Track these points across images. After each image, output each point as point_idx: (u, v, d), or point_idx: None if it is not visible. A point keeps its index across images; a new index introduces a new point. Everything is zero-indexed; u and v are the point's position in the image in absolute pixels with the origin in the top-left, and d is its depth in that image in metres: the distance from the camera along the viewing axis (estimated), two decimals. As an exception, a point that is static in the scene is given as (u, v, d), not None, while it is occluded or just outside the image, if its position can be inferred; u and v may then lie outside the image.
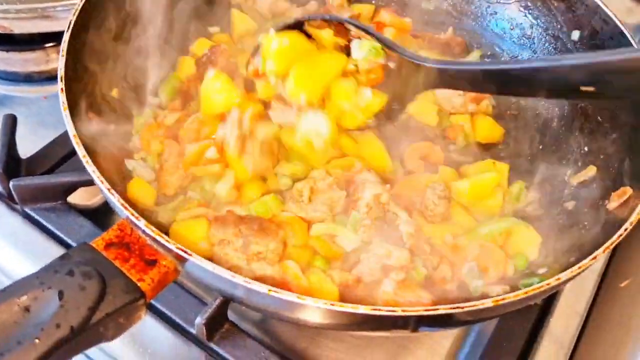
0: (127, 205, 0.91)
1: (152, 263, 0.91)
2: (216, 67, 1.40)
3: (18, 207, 1.44)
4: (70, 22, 1.19)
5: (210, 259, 1.03)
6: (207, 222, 1.12)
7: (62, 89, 1.08)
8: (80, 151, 0.99)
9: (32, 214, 1.42)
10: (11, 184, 1.37)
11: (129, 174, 1.28)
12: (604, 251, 0.99)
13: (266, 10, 1.66)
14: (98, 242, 0.92)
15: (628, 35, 1.38)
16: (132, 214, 0.90)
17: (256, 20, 1.64)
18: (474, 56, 1.67)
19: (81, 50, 1.23)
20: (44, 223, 1.41)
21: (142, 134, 1.36)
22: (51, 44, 1.74)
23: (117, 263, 0.89)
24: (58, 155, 1.51)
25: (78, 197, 1.47)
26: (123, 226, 0.94)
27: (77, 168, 1.40)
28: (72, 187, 1.41)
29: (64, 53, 1.13)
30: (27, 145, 1.57)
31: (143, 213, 0.94)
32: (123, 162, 1.30)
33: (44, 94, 1.78)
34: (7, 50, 1.73)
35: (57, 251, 1.37)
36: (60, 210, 1.42)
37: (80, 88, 1.20)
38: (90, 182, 1.28)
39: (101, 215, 1.46)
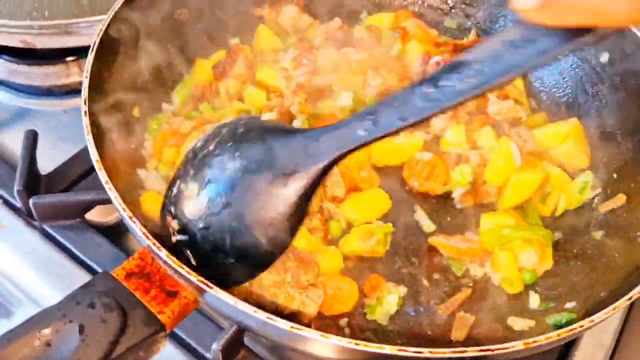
0: (149, 234, 0.90)
1: (173, 294, 0.89)
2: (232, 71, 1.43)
3: (37, 223, 1.43)
4: (94, 43, 1.18)
5: (267, 299, 1.03)
6: None
7: (85, 111, 1.07)
8: (103, 177, 0.97)
9: (51, 231, 1.41)
10: (31, 201, 1.37)
11: (141, 184, 1.27)
12: None
13: (289, 25, 1.65)
14: (119, 272, 0.91)
15: (659, 59, 1.35)
16: (154, 244, 0.89)
17: (278, 34, 1.64)
18: None
19: (104, 70, 1.23)
20: (62, 241, 1.40)
21: (155, 141, 1.35)
22: (72, 58, 1.74)
23: (137, 294, 0.87)
24: (77, 171, 1.50)
25: (95, 214, 1.47)
26: (144, 255, 0.93)
27: (95, 185, 1.38)
28: (90, 205, 1.41)
29: (88, 74, 1.12)
30: (46, 160, 1.57)
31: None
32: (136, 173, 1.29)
33: (64, 108, 1.78)
34: (29, 64, 1.74)
35: (75, 270, 1.36)
36: (78, 228, 1.41)
37: (103, 109, 1.19)
38: (109, 201, 1.27)
39: (119, 232, 1.46)
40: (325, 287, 1.14)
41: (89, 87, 1.11)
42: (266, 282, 1.11)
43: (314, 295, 1.08)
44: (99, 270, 1.36)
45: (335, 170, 1.25)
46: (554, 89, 1.59)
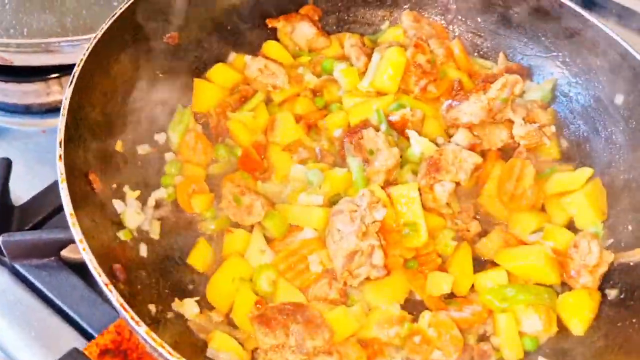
0: (127, 306, 0.79)
1: (153, 377, 0.79)
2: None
3: (6, 259, 1.32)
4: (73, 76, 1.07)
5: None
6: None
7: (60, 155, 0.96)
8: (77, 235, 0.87)
9: (22, 270, 1.30)
10: (1, 239, 1.25)
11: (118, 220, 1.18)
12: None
13: (303, 43, 1.56)
14: (91, 349, 0.81)
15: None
16: (132, 318, 0.78)
17: (289, 49, 1.55)
18: (547, 87, 1.53)
19: (83, 105, 1.12)
20: (34, 282, 1.28)
21: (180, 195, 1.29)
22: (53, 76, 1.63)
23: (111, 378, 0.77)
24: (53, 204, 1.38)
25: (70, 250, 1.35)
26: (120, 328, 0.83)
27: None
28: (65, 244, 1.29)
29: (65, 111, 1.01)
30: (22, 185, 1.46)
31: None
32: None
33: (42, 128, 1.67)
34: (5, 81, 1.62)
35: (47, 315, 1.25)
36: (52, 268, 1.30)
37: (81, 148, 1.08)
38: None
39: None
40: (342, 356, 1.04)
41: (66, 127, 0.99)
42: (263, 346, 1.02)
43: None
44: (73, 316, 1.24)
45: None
46: (564, 129, 1.51)
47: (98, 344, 0.82)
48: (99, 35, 1.14)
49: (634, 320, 1.12)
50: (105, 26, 1.18)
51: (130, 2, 1.24)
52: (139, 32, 1.29)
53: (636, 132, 1.36)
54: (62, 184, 0.93)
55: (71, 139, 1.06)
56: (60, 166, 0.95)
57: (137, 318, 0.79)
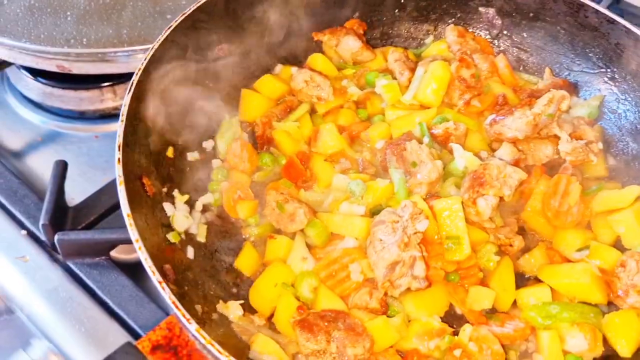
0: (178, 304, 0.83)
1: (202, 373, 0.82)
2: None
3: (60, 257, 1.38)
4: (132, 83, 1.12)
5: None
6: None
7: (119, 159, 1.01)
8: (134, 235, 0.91)
9: (74, 268, 1.36)
10: (56, 237, 1.31)
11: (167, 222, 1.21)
12: None
13: (348, 56, 1.59)
14: (144, 344, 0.84)
15: None
16: (184, 315, 0.81)
17: (334, 61, 1.58)
18: (594, 103, 1.51)
19: (139, 112, 1.17)
20: (86, 280, 1.34)
21: (227, 202, 1.33)
22: (107, 84, 1.71)
23: (163, 372, 0.80)
24: (105, 205, 1.44)
25: (120, 250, 1.41)
26: (172, 325, 0.86)
27: (123, 221, 1.34)
28: (117, 243, 1.35)
29: (124, 117, 1.07)
30: (75, 187, 1.53)
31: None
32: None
33: (96, 133, 1.74)
34: (63, 88, 1.71)
35: (96, 313, 1.30)
36: (102, 267, 1.35)
37: (136, 152, 1.13)
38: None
39: (144, 271, 1.39)
40: None
41: (125, 133, 1.05)
42: (304, 351, 1.03)
43: None
44: (121, 313, 1.30)
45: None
46: (612, 146, 1.48)
47: (150, 339, 0.85)
48: (155, 46, 1.20)
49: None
50: (161, 38, 1.24)
51: (184, 16, 1.30)
52: (191, 44, 1.34)
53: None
54: (121, 186, 0.98)
55: (127, 144, 1.11)
56: (118, 169, 1.00)
57: (188, 316, 0.83)
